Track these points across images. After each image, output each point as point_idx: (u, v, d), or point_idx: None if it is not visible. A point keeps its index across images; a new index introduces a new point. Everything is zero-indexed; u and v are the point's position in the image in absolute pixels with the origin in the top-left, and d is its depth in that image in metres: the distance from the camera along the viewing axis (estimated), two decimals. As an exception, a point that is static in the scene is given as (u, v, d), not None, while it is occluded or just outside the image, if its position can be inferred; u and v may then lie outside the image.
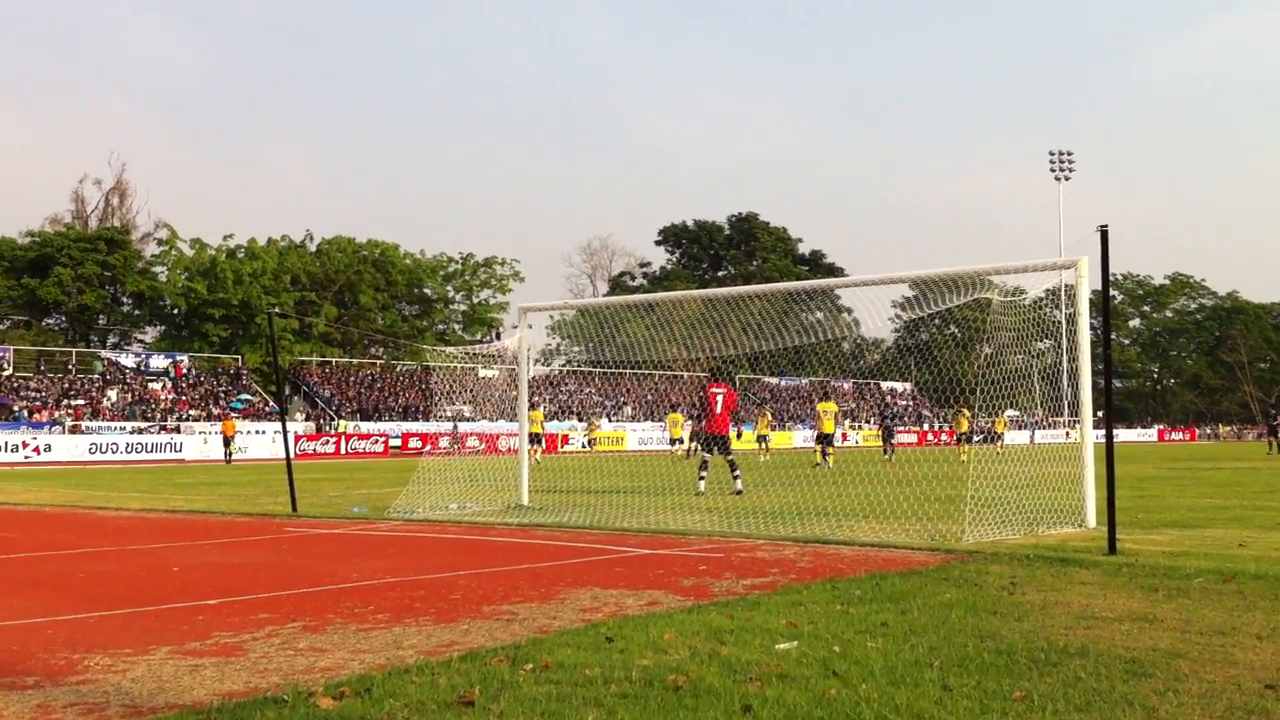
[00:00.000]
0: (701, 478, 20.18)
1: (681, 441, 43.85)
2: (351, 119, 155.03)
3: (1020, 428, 72.57)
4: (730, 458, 20.24)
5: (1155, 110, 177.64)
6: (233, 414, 58.62)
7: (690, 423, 41.70)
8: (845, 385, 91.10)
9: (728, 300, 17.95)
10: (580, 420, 62.07)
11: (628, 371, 76.50)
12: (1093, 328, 14.60)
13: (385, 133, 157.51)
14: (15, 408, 55.37)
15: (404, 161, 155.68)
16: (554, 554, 11.54)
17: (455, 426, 60.67)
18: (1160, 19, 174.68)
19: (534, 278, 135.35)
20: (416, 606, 8.03)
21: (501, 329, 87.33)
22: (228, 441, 48.77)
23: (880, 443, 42.68)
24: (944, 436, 79.90)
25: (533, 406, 47.77)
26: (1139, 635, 6.56)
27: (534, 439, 39.08)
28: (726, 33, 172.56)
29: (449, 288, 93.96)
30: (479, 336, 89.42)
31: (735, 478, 19.92)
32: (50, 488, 26.55)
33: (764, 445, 43.78)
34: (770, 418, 46.66)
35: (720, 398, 20.24)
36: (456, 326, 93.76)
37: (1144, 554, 10.38)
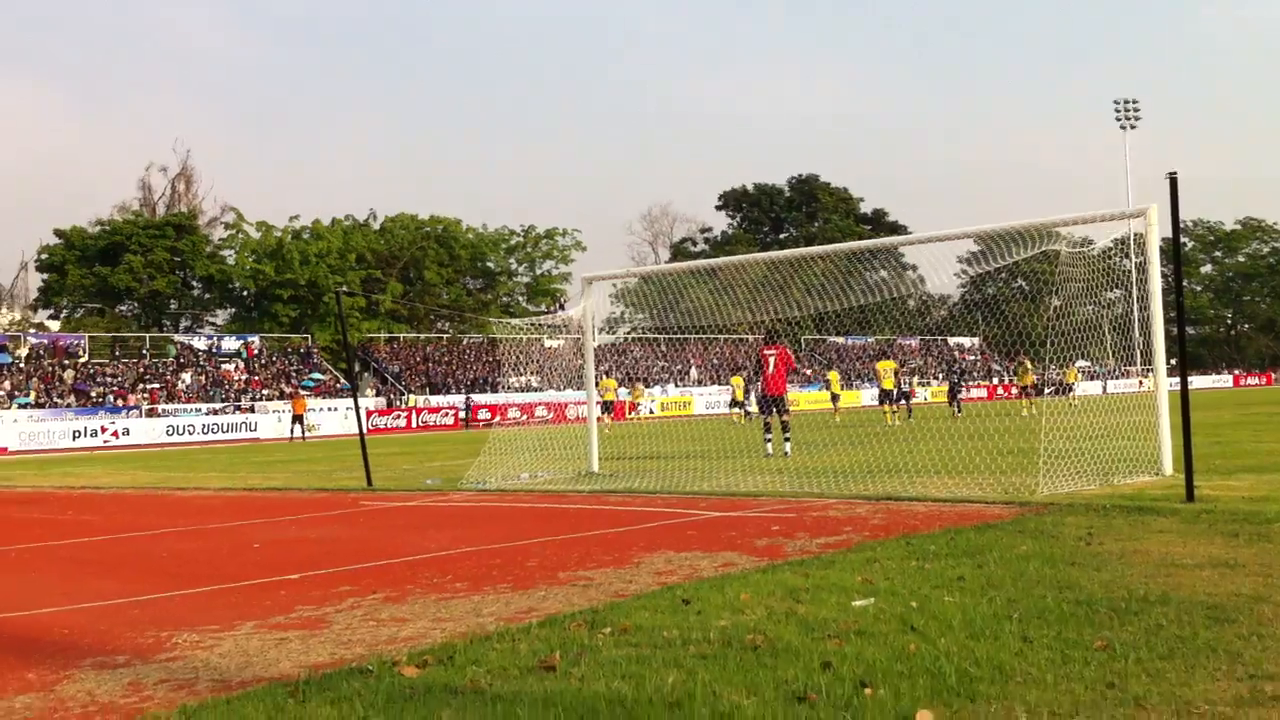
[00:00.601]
0: (767, 439, 20.13)
1: (742, 405, 43.80)
2: (409, 96, 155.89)
3: (1092, 378, 71.77)
4: (785, 419, 20.13)
5: (1221, 54, 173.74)
6: (303, 392, 59.26)
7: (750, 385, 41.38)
8: (912, 342, 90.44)
9: (790, 262, 17.86)
10: (647, 386, 62.14)
11: (692, 337, 76.47)
12: (1164, 275, 14.36)
13: (443, 109, 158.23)
14: (93, 393, 56.42)
15: (463, 136, 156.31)
16: (626, 519, 11.60)
17: (468, 399, 61.12)
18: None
19: (596, 247, 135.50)
20: (494, 575, 8.12)
21: (565, 299, 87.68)
22: (298, 419, 49.45)
23: (947, 400, 42.28)
24: (1013, 390, 79.13)
25: (606, 374, 47.86)
26: (1220, 581, 6.48)
27: (606, 407, 39.11)
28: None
29: (512, 260, 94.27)
30: (543, 307, 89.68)
31: (785, 439, 19.85)
32: (130, 470, 27.06)
33: (835, 405, 43.47)
34: (839, 377, 46.36)
35: (773, 358, 20.11)
36: (520, 298, 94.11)
37: (1223, 500, 10.25)
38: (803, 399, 58.31)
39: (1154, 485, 11.85)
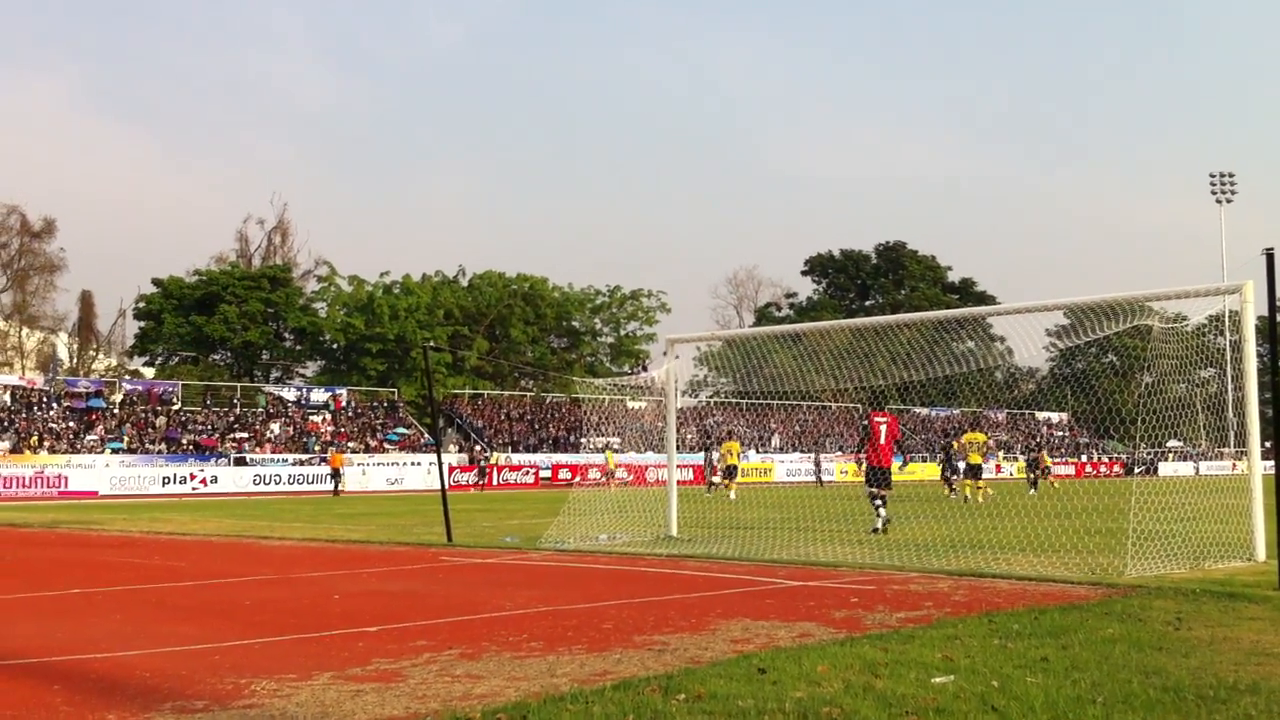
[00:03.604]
0: (877, 508, 19.35)
1: (728, 472, 36.70)
2: (500, 156, 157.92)
3: (1184, 459, 70.25)
4: (885, 492, 19.45)
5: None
6: (334, 447, 58.92)
7: (855, 454, 38.20)
8: (999, 415, 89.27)
9: (876, 330, 17.78)
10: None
11: (775, 402, 76.19)
12: (1260, 354, 14.09)
13: (533, 168, 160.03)
14: (184, 440, 57.47)
15: (552, 196, 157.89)
16: (704, 585, 11.54)
17: (487, 458, 60.87)
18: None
19: (680, 309, 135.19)
20: (569, 635, 8.12)
21: (649, 360, 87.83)
22: (335, 474, 49.64)
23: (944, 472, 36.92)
24: (1102, 468, 77.83)
25: (729, 436, 46.08)
26: (1315, 674, 6.30)
27: (730, 471, 37.22)
28: (872, 61, 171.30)
29: (597, 320, 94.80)
30: (626, 368, 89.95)
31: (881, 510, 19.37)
32: (216, 518, 27.45)
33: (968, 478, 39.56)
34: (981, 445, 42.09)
35: (884, 427, 19.35)
36: (604, 358, 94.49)
37: (1319, 589, 9.96)
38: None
39: (1246, 571, 11.54)
